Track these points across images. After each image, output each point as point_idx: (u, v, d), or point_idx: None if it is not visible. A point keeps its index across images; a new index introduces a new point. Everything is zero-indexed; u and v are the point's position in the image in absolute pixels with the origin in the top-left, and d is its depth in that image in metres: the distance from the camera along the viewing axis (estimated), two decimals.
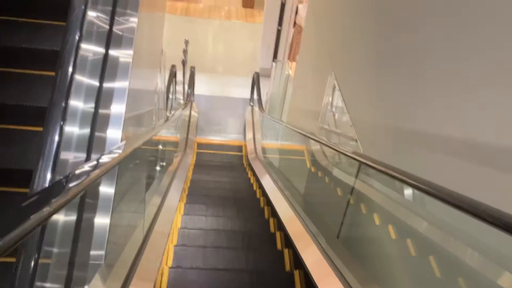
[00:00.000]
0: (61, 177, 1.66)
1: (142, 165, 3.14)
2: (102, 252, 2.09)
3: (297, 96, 5.47)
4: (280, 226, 3.50)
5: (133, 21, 2.82)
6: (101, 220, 2.14)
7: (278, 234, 3.37)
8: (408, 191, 2.06)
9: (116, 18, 2.73)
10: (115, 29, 2.77)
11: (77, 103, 2.47)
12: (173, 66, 7.82)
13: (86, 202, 2.09)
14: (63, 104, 2.39)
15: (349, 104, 3.26)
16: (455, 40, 1.90)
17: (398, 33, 2.53)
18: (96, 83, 2.59)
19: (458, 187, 1.32)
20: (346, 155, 2.61)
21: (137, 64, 3.49)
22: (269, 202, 4.20)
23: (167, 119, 5.12)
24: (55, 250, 2.00)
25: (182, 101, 8.48)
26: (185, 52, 8.87)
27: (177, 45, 9.22)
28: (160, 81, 5.38)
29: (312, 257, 2.60)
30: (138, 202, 2.85)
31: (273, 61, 8.79)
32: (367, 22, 3.09)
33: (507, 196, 1.50)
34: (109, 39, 2.78)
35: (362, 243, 2.65)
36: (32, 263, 1.86)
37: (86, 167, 1.69)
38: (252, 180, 5.31)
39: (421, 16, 2.24)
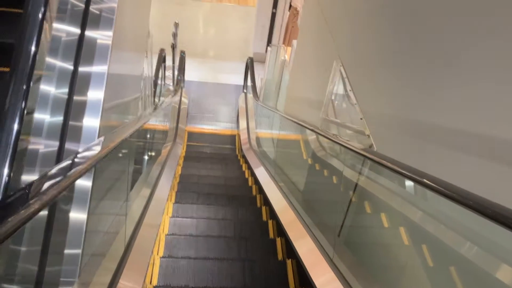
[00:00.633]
0: (21, 188, 1.31)
1: (125, 160, 2.77)
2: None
3: (295, 83, 5.09)
4: (280, 230, 3.16)
5: (114, 0, 2.58)
6: (73, 238, 1.96)
7: (279, 242, 3.03)
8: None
9: None
10: (92, 8, 2.50)
11: (47, 88, 2.18)
12: (162, 50, 7.36)
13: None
14: (24, 87, 2.06)
15: (359, 94, 2.90)
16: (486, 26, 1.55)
17: (422, 11, 2.16)
18: (70, 67, 2.33)
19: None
20: (357, 152, 2.27)
21: (119, 47, 3.11)
22: (266, 201, 3.86)
23: (155, 107, 4.71)
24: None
25: (171, 88, 8.05)
26: (174, 35, 8.41)
27: (167, 28, 8.76)
28: (147, 66, 4.96)
29: (323, 276, 2.28)
30: (117, 207, 2.48)
31: (268, 45, 8.36)
32: (382, 1, 2.72)
33: None
34: (85, 19, 2.50)
35: (372, 252, 2.35)
36: None
37: (55, 171, 1.39)
38: (247, 174, 4.96)
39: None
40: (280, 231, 3.20)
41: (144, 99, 4.78)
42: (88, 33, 2.48)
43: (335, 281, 2.20)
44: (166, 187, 3.72)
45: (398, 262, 2.11)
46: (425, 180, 1.48)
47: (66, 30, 2.71)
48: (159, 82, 7.14)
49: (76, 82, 2.27)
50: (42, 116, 2.10)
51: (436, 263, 1.77)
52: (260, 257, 2.87)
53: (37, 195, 1.17)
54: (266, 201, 3.85)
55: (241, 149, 6.27)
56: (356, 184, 2.58)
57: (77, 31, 2.64)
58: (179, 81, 7.48)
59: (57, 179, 1.31)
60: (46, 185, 1.24)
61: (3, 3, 2.61)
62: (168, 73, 8.55)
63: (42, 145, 2.01)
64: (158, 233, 2.78)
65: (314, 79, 4.16)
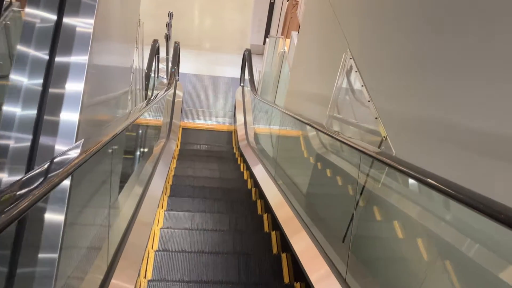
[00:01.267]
0: None
1: (110, 165, 2.46)
2: None
3: (297, 77, 4.76)
4: (285, 244, 2.84)
5: None
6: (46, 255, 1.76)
7: (284, 259, 2.70)
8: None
9: None
10: None
11: (19, 79, 2.08)
12: (155, 41, 7.00)
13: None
14: None
15: (373, 90, 2.58)
16: None
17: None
18: (45, 56, 2.17)
19: None
20: (374, 157, 1.97)
21: (103, 36, 2.77)
22: (268, 206, 3.54)
23: (147, 102, 4.36)
24: None
25: (165, 81, 7.70)
26: (168, 25, 8.04)
27: (160, 18, 8.38)
28: (138, 58, 4.61)
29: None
30: (98, 221, 2.16)
31: (267, 37, 8.00)
32: None
33: None
34: (62, 4, 2.30)
35: (383, 262, 2.06)
36: None
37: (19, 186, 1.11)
38: (246, 175, 4.63)
39: None
40: (285, 244, 2.89)
41: (135, 93, 4.44)
42: (67, 20, 2.27)
43: None
44: (157, 191, 3.40)
45: (414, 278, 1.83)
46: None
47: (41, 15, 2.42)
48: (152, 74, 6.80)
49: (52, 73, 2.11)
50: (13, 109, 1.99)
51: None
52: (264, 281, 2.53)
53: None
54: (268, 208, 3.54)
55: (239, 147, 5.95)
56: (364, 188, 2.29)
57: (53, 17, 2.37)
58: (173, 74, 7.12)
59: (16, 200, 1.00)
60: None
61: None
62: (162, 66, 8.20)
63: (13, 140, 1.92)
64: (147, 249, 2.46)
65: (319, 73, 3.84)
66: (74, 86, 2.10)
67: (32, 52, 2.25)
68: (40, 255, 1.77)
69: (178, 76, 8.11)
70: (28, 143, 1.92)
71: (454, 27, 1.85)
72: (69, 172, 1.39)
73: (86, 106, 2.30)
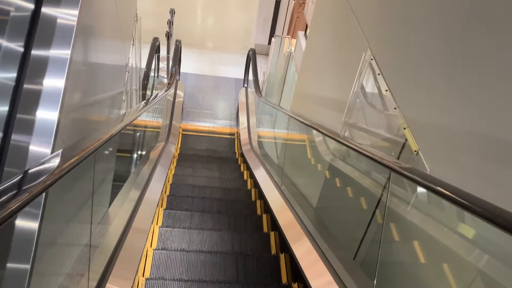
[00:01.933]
0: None
1: (101, 167, 2.15)
2: None
3: (306, 79, 4.41)
4: (296, 271, 2.49)
5: None
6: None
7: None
8: None
9: None
10: None
11: None
12: (155, 39, 6.67)
13: None
14: None
15: (401, 96, 2.23)
16: None
17: None
18: (19, 48, 1.95)
19: None
20: (407, 176, 1.63)
21: (91, 30, 2.45)
22: (274, 222, 3.20)
23: (146, 102, 4.02)
24: None
25: (165, 81, 7.36)
26: (170, 23, 7.71)
27: (161, 15, 8.05)
28: (134, 56, 4.27)
29: None
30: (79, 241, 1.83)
31: (273, 36, 7.65)
32: None
33: None
34: None
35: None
36: None
37: None
38: (249, 185, 4.28)
39: None
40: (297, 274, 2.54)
41: (130, 94, 4.10)
42: (46, 9, 2.04)
43: None
44: (151, 207, 3.05)
45: None
46: None
47: (16, 3, 2.12)
48: (151, 74, 6.47)
49: (28, 67, 1.90)
50: None
51: None
52: None
53: None
54: (275, 225, 3.19)
55: (242, 153, 5.60)
56: (384, 206, 1.95)
57: (30, 6, 2.07)
58: (174, 73, 6.79)
59: None
60: None
61: None
62: (162, 65, 7.88)
63: None
64: (137, 277, 2.12)
65: (332, 75, 3.49)
66: (53, 82, 1.90)
67: (4, 43, 1.98)
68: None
69: (179, 75, 7.78)
70: None
71: None
72: (38, 192, 1.10)
73: (70, 105, 2.02)
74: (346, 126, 2.96)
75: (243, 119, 6.65)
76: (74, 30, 2.01)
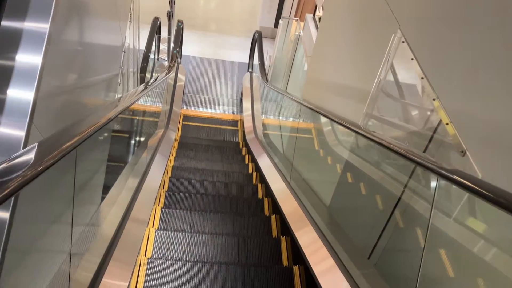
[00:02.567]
0: None
1: (91, 158, 1.85)
2: None
3: (320, 65, 4.06)
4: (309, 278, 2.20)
5: None
6: None
7: None
8: None
9: None
10: None
11: None
12: (156, 19, 6.29)
13: None
14: None
15: (442, 85, 1.90)
16: None
17: None
18: None
19: None
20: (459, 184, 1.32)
21: (76, 4, 2.09)
22: (284, 225, 2.90)
23: (145, 86, 3.68)
24: None
25: (166, 63, 6.99)
26: (171, 2, 7.31)
27: None
28: (131, 36, 3.92)
29: None
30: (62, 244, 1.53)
31: (280, 19, 7.25)
32: None
33: None
34: None
35: None
36: None
37: None
38: (255, 179, 3.97)
39: None
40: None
41: (127, 76, 3.76)
42: None
43: None
44: (147, 203, 2.74)
45: None
46: None
47: None
48: (151, 56, 6.11)
49: None
50: None
51: None
52: None
53: None
54: (284, 226, 2.89)
55: (245, 140, 5.27)
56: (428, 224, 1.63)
57: None
58: (175, 56, 6.42)
59: None
60: None
61: None
62: (163, 46, 7.50)
63: None
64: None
65: (351, 60, 3.14)
66: (27, 59, 1.65)
67: None
68: None
69: (181, 58, 7.41)
70: None
71: None
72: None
73: (50, 85, 1.80)
74: (369, 118, 2.63)
75: (247, 106, 6.31)
76: (54, 3, 1.67)
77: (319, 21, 7.17)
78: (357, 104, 2.83)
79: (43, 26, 1.62)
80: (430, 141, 1.98)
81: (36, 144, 1.18)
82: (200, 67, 8.05)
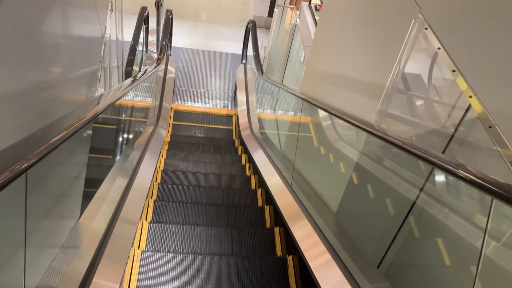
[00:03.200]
0: None
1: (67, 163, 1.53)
2: None
3: (321, 55, 3.72)
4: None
5: None
6: None
7: None
8: None
9: None
10: None
11: None
12: (143, 9, 5.90)
13: None
14: None
15: (482, 80, 1.58)
16: None
17: None
18: None
19: None
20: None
21: None
22: (287, 234, 2.60)
23: (133, 80, 3.31)
24: None
25: (155, 55, 6.62)
26: None
27: None
28: (113, 26, 3.55)
29: None
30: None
31: (275, 7, 6.87)
32: None
33: None
34: None
35: None
36: None
37: None
38: (253, 183, 3.64)
39: None
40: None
41: (109, 71, 3.41)
42: None
43: None
44: (134, 215, 2.41)
45: None
46: None
47: None
48: (139, 48, 5.73)
49: None
50: None
51: None
52: None
53: None
54: (288, 235, 2.58)
55: (240, 136, 4.94)
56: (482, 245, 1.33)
57: None
58: (165, 47, 6.04)
59: None
60: None
61: None
62: (152, 38, 7.11)
63: None
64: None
65: (361, 51, 2.81)
66: None
67: None
68: None
69: (170, 50, 7.03)
70: None
71: None
72: None
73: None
74: (383, 116, 2.31)
75: (242, 100, 5.97)
76: None
77: (315, 9, 6.82)
78: (368, 100, 2.52)
79: None
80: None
81: None
82: (191, 59, 7.68)
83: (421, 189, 1.74)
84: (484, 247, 1.23)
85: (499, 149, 1.42)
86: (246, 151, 4.44)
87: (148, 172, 3.04)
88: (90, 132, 1.97)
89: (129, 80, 3.00)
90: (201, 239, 2.55)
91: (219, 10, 9.54)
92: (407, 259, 1.81)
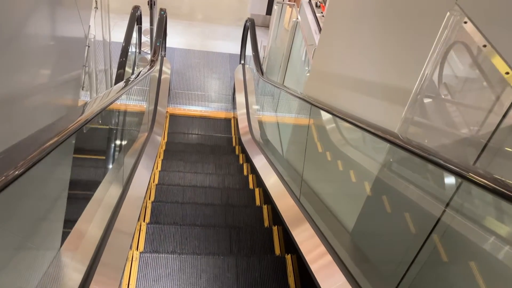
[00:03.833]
0: None
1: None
2: None
3: (330, 55, 3.41)
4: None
5: None
6: None
7: None
8: None
9: None
10: None
11: None
12: (135, 8, 5.58)
13: None
14: None
15: None
16: None
17: None
18: None
19: None
20: None
21: None
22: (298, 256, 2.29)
23: (124, 84, 2.98)
24: None
25: (149, 57, 6.30)
26: None
27: None
28: (98, 26, 3.22)
29: None
30: None
31: (275, 4, 6.55)
32: None
33: None
34: None
35: None
36: None
37: None
38: (258, 196, 3.32)
39: None
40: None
41: (95, 76, 3.08)
42: None
43: None
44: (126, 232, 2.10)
45: None
46: None
47: None
48: (132, 49, 5.41)
49: None
50: None
51: None
52: None
53: None
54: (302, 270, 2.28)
55: (241, 142, 4.62)
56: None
57: None
58: (159, 48, 5.71)
59: None
60: None
61: None
62: (145, 38, 6.80)
63: None
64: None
65: (380, 49, 2.48)
66: None
67: None
68: None
69: (165, 51, 6.71)
70: None
71: None
72: None
73: None
74: (409, 124, 2.00)
75: (240, 100, 5.65)
76: None
77: (316, 5, 6.51)
78: (389, 106, 2.20)
79: None
80: None
81: None
82: (187, 60, 7.35)
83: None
84: None
85: None
86: (248, 159, 4.12)
87: (140, 190, 2.72)
88: (73, 142, 1.66)
89: (121, 84, 2.69)
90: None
91: (215, 8, 9.22)
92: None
